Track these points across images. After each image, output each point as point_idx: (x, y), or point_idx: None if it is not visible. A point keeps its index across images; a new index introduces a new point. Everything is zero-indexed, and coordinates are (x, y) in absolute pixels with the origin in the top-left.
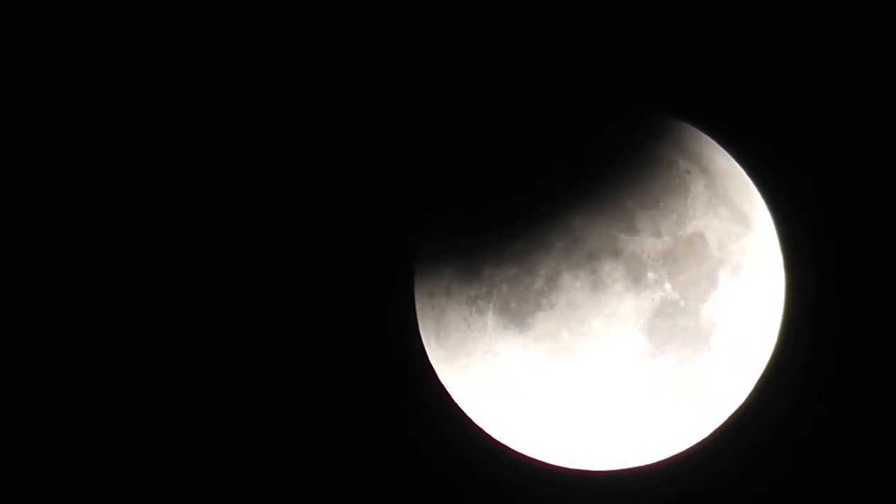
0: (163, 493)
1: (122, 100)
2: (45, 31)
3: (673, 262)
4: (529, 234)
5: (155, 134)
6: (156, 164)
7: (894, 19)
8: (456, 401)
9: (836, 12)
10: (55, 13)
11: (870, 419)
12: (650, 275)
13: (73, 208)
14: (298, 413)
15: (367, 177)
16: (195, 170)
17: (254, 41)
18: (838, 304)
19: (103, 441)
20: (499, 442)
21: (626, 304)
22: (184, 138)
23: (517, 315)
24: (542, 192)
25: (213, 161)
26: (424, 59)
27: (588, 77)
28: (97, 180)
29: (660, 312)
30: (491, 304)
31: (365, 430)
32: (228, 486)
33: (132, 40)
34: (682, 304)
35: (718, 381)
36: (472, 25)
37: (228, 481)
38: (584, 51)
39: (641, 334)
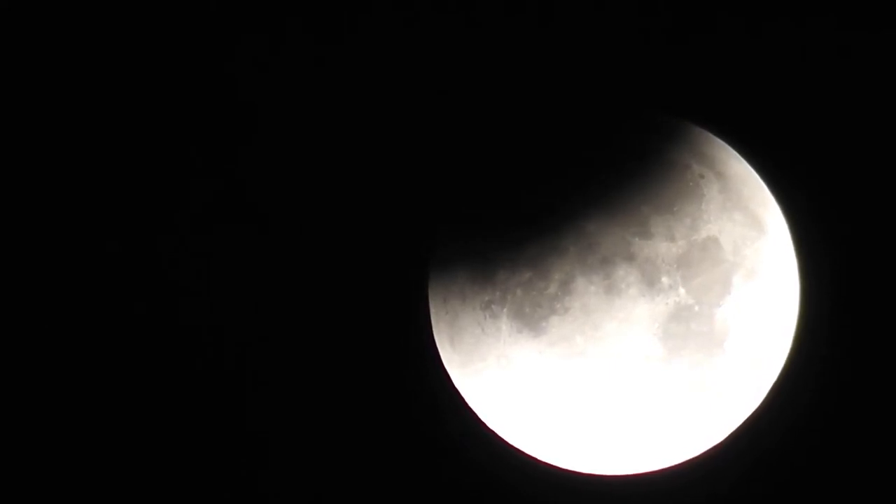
0: (175, 490)
1: (124, 100)
2: (45, 31)
3: (687, 266)
4: (543, 239)
5: (163, 134)
6: (167, 166)
7: None
8: (470, 405)
9: (851, 16)
10: (55, 13)
11: (886, 425)
12: (664, 279)
13: (72, 208)
14: (311, 417)
15: (381, 181)
16: (211, 171)
17: (267, 42)
18: (853, 309)
19: (107, 441)
20: (513, 446)
21: (641, 309)
22: (198, 140)
23: (531, 319)
24: (557, 197)
25: (225, 163)
26: (437, 64)
27: (601, 81)
28: (95, 181)
29: (674, 317)
30: (505, 309)
31: (379, 434)
32: (236, 488)
33: (132, 39)
34: (697, 308)
35: (732, 385)
36: (484, 29)
37: (237, 483)
38: (598, 54)
39: (655, 339)
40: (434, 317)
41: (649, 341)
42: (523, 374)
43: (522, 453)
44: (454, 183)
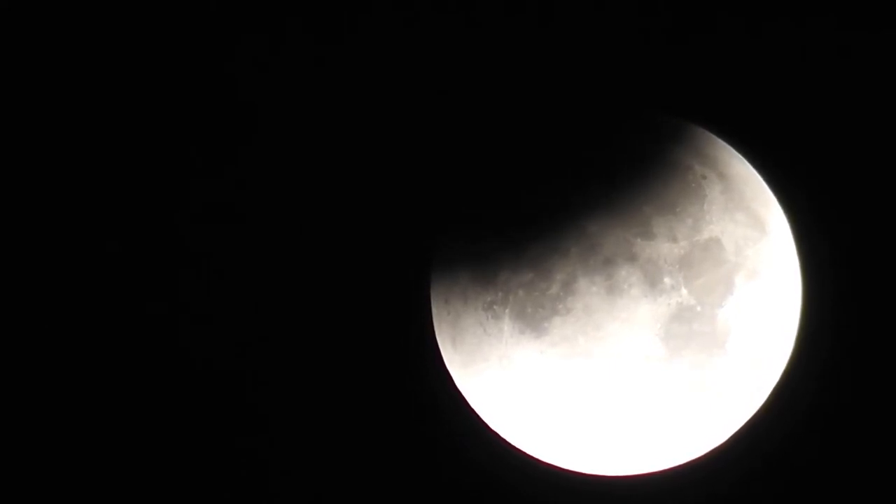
0: (175, 490)
1: (124, 100)
2: (45, 31)
3: (689, 267)
4: (545, 240)
5: (163, 134)
6: (167, 166)
7: None
8: (472, 405)
9: (851, 16)
10: (55, 13)
11: (887, 426)
12: (666, 280)
13: (72, 208)
14: (312, 417)
15: (382, 182)
16: (211, 171)
17: (267, 42)
18: (855, 309)
19: (107, 442)
20: (514, 447)
21: (643, 309)
22: (198, 140)
23: (533, 320)
24: (558, 197)
25: (225, 163)
26: (437, 64)
27: (603, 82)
28: (96, 181)
29: (676, 317)
30: (507, 310)
31: (381, 435)
32: (236, 488)
33: (132, 39)
34: (699, 309)
35: (734, 386)
36: (484, 29)
37: (237, 483)
38: (600, 55)
39: (657, 339)
40: (436, 317)
41: (651, 342)
42: (525, 375)
43: (523, 453)
44: (455, 183)
